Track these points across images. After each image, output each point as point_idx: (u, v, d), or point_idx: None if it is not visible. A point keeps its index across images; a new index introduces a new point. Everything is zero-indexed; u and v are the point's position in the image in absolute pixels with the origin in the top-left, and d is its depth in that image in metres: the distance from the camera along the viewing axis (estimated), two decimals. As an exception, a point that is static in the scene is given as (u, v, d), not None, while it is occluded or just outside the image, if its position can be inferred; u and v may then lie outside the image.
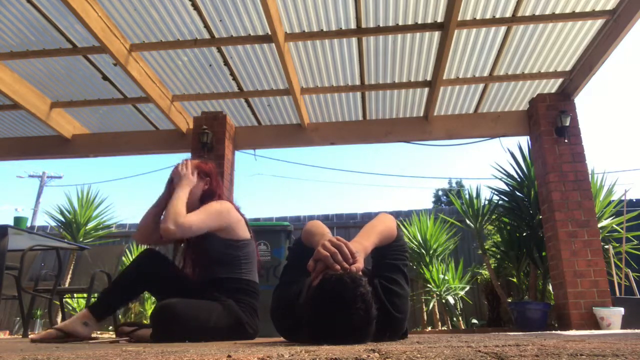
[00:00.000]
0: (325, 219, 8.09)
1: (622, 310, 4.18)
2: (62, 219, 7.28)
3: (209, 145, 5.20)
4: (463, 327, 6.06)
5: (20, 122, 5.71)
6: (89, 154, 5.91)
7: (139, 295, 2.40)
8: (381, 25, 4.18)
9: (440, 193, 21.79)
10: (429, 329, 6.14)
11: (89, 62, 4.68)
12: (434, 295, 6.14)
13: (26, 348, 1.39)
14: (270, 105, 5.43)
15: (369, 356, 0.76)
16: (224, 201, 2.29)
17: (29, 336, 2.07)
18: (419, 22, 4.13)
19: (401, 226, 6.60)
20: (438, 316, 6.25)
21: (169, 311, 1.89)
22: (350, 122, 5.69)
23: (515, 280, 5.66)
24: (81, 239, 7.13)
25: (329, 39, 4.32)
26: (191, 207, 2.20)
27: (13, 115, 5.55)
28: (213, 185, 2.36)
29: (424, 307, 6.46)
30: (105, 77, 4.91)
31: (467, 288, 6.35)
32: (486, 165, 16.48)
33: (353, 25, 4.19)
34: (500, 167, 5.63)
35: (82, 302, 6.58)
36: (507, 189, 5.61)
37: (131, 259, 4.24)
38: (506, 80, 4.95)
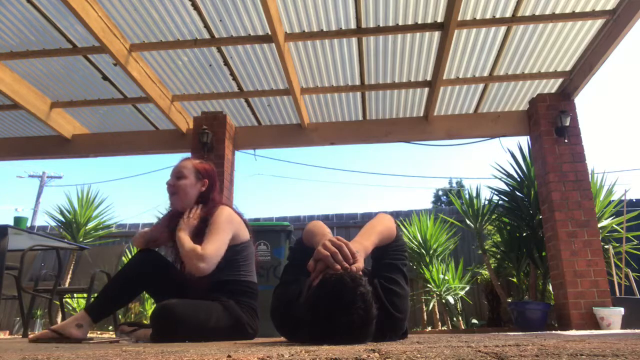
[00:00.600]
0: (325, 219, 8.07)
1: (622, 310, 4.18)
2: (62, 219, 7.27)
3: (209, 145, 5.20)
4: (463, 327, 6.05)
5: (20, 122, 5.71)
6: (89, 154, 5.91)
7: (137, 296, 2.39)
8: (381, 25, 4.18)
9: (440, 193, 21.81)
10: (429, 329, 6.14)
11: (89, 62, 4.68)
12: (434, 295, 6.14)
13: (26, 348, 1.39)
14: (270, 105, 5.43)
15: (369, 356, 0.76)
16: (224, 207, 2.23)
17: (29, 336, 2.06)
18: (419, 22, 4.13)
19: (401, 226, 6.60)
20: (438, 316, 6.24)
21: (169, 311, 1.88)
22: (350, 122, 5.69)
23: (515, 280, 5.66)
24: (81, 239, 7.13)
25: (329, 39, 4.32)
26: (187, 208, 2.22)
27: (13, 115, 5.55)
28: (210, 187, 2.33)
29: (424, 307, 6.46)
30: (105, 77, 4.91)
31: (467, 288, 6.34)
32: (486, 165, 16.50)
33: (353, 25, 4.19)
34: (500, 167, 5.64)
35: (82, 302, 6.57)
36: (507, 189, 5.61)
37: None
38: (506, 80, 4.95)
